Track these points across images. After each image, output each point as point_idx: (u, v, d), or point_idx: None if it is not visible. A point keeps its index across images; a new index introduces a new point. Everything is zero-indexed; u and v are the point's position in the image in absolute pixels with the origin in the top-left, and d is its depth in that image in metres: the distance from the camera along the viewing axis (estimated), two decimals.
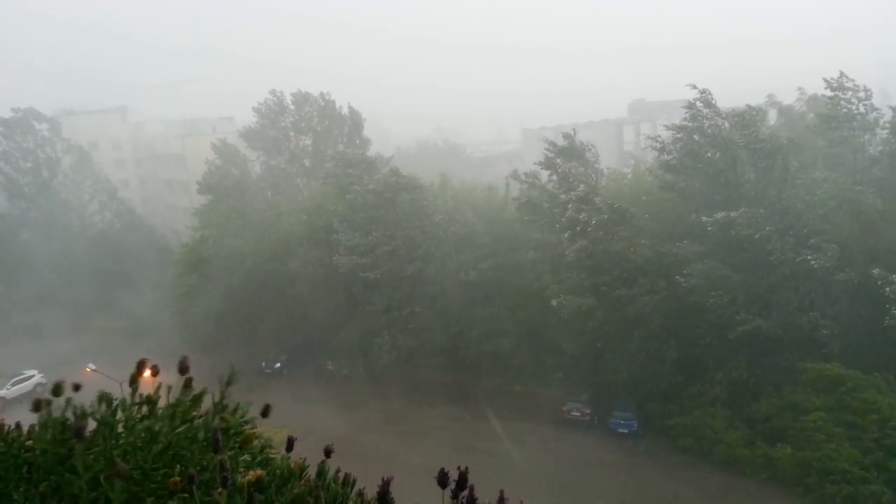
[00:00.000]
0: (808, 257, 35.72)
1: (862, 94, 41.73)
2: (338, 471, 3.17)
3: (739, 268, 38.29)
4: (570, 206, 41.39)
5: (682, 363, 39.43)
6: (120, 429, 3.44)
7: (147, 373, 3.74)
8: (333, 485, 3.11)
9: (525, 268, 46.07)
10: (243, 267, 52.46)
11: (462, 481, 2.62)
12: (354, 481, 3.17)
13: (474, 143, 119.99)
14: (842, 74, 42.16)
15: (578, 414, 40.52)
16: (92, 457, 3.21)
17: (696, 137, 42.00)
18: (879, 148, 43.64)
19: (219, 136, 75.45)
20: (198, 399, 3.57)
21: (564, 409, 40.95)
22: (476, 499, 2.69)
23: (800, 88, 55.45)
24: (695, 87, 42.06)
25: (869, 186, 39.45)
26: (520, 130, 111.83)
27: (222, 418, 3.42)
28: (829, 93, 42.64)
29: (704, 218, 38.35)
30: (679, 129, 42.64)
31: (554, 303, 40.42)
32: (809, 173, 40.45)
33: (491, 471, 32.15)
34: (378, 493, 2.77)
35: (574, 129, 50.86)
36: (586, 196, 41.51)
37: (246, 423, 3.55)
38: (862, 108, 41.91)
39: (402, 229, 47.80)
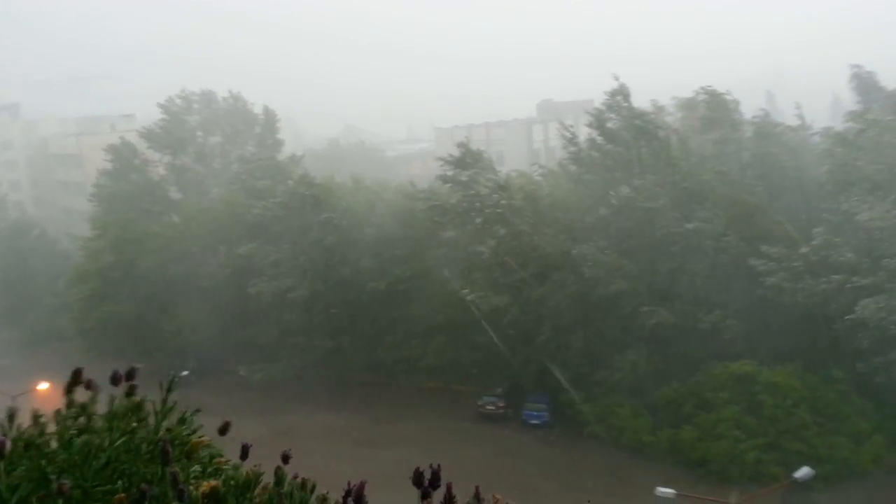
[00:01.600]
0: (695, 226, 38.48)
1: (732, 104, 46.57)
2: (295, 476, 3.05)
3: (640, 257, 40.13)
4: (477, 208, 42.49)
5: (589, 354, 40.91)
6: (53, 445, 3.20)
7: (79, 384, 3.57)
8: (296, 491, 2.98)
9: (441, 266, 46.59)
10: (147, 271, 50.45)
11: (435, 480, 2.58)
12: (314, 486, 3.03)
13: (387, 142, 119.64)
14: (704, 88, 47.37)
15: (493, 408, 41.39)
16: (17, 478, 2.96)
17: (607, 127, 43.94)
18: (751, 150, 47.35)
19: (118, 134, 71.71)
20: (137, 408, 3.35)
21: (479, 403, 41.72)
22: (454, 497, 2.63)
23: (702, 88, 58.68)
24: (616, 78, 44.06)
25: (748, 181, 42.94)
26: (431, 129, 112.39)
27: (168, 429, 3.24)
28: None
29: (602, 209, 40.07)
30: (594, 117, 44.71)
31: (470, 297, 41.11)
32: (700, 164, 43.75)
33: (404, 468, 32.21)
34: (354, 497, 2.76)
35: (485, 129, 52.00)
36: (493, 197, 42.80)
37: (192, 431, 3.38)
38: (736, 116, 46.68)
39: (315, 238, 47.39)
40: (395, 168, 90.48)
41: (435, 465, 2.59)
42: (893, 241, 35.97)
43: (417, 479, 2.52)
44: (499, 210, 42.38)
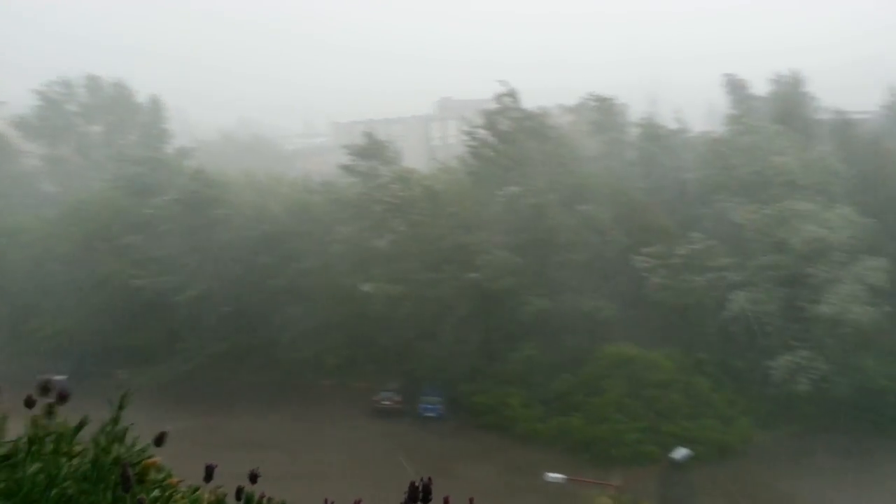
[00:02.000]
0: (581, 220, 40.40)
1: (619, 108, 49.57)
2: (262, 496, 2.90)
3: (529, 250, 41.48)
4: (377, 198, 42.69)
5: (484, 346, 41.90)
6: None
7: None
8: None
9: (337, 262, 46.24)
10: (17, 268, 47.03)
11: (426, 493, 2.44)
12: None
13: (283, 135, 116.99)
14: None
15: (390, 403, 41.58)
16: None
17: (499, 128, 45.18)
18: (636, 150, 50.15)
19: None
20: (79, 429, 2.99)
21: (375, 399, 41.81)
22: None
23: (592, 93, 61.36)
24: (504, 82, 45.32)
25: (632, 181, 45.54)
26: (330, 123, 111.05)
27: (114, 450, 2.92)
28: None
29: (495, 203, 41.19)
30: (486, 118, 46.00)
31: (366, 288, 41.16)
32: (588, 165, 45.71)
33: (300, 467, 31.88)
34: None
35: (384, 125, 52.30)
36: (394, 186, 43.20)
37: (143, 451, 3.06)
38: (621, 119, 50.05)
39: (207, 234, 45.85)
40: (292, 162, 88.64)
41: (426, 479, 2.40)
42: (761, 238, 38.93)
43: (413, 493, 2.37)
44: (397, 201, 42.97)
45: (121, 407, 3.07)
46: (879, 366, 38.02)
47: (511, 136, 45.11)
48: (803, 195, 39.45)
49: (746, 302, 37.47)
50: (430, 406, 40.62)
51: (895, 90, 62.50)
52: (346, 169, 47.50)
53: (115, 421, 3.03)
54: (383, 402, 41.55)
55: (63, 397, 3.01)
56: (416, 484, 2.65)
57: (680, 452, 26.75)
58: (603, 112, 50.32)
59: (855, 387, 37.03)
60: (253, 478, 2.94)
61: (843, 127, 52.06)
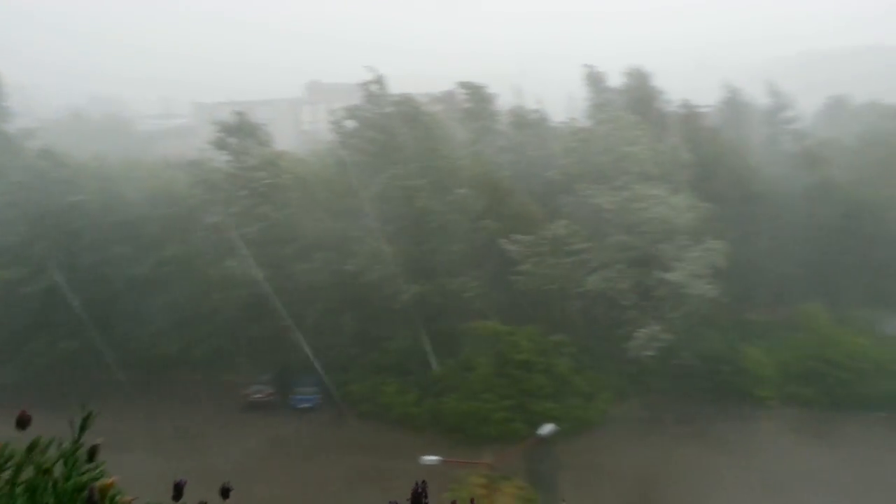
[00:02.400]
0: (451, 204, 41.28)
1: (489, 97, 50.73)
2: None
3: (402, 237, 41.88)
4: (247, 181, 41.46)
5: (359, 334, 41.90)
6: None
7: None
8: None
9: (205, 251, 44.40)
10: None
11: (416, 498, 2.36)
12: None
13: (139, 115, 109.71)
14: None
15: (261, 395, 40.67)
16: None
17: (368, 116, 44.95)
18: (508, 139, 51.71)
19: None
20: (32, 450, 2.74)
21: (246, 392, 40.74)
22: None
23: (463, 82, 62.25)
24: (372, 69, 44.91)
25: (502, 168, 46.85)
26: (191, 104, 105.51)
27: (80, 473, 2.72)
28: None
29: (369, 189, 41.22)
30: (355, 107, 45.11)
31: (231, 266, 40.48)
32: (458, 152, 46.56)
33: (162, 468, 30.59)
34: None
35: (251, 107, 50.61)
36: (264, 171, 42.10)
37: (98, 470, 2.87)
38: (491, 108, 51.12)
39: (56, 222, 42.44)
40: (149, 145, 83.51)
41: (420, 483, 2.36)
42: (616, 222, 41.51)
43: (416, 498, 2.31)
44: (266, 186, 41.92)
45: (83, 427, 2.89)
46: (719, 337, 41.90)
47: (380, 122, 45.02)
48: (652, 182, 42.40)
49: (603, 281, 39.91)
50: (304, 397, 40.16)
51: (731, 87, 69.54)
52: (215, 146, 45.39)
53: (78, 442, 2.84)
54: (254, 396, 40.57)
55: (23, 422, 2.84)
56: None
57: (546, 428, 28.20)
58: (474, 100, 51.37)
59: (698, 357, 40.63)
60: (224, 492, 2.79)
61: (688, 119, 56.52)
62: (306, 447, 36.62)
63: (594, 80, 61.87)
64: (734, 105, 68.96)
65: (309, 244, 42.04)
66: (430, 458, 27.95)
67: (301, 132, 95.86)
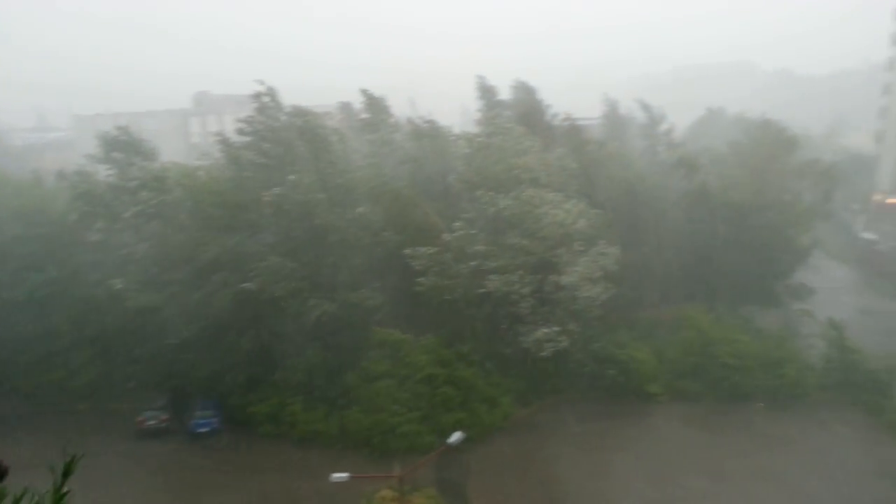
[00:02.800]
0: (352, 218, 41.21)
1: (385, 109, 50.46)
2: None
3: (303, 253, 41.18)
4: (134, 196, 39.64)
5: (262, 354, 40.71)
6: None
7: None
8: None
9: (87, 272, 41.88)
10: None
11: None
12: None
13: (10, 129, 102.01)
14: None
15: (156, 422, 38.68)
16: None
17: (261, 128, 43.96)
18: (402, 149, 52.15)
19: None
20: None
21: (140, 419, 38.63)
22: None
23: (362, 90, 62.09)
24: (262, 82, 43.87)
25: (401, 179, 46.96)
26: (69, 116, 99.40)
27: None
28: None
29: (265, 198, 40.21)
30: (247, 119, 44.05)
31: (117, 285, 38.54)
32: (357, 163, 46.34)
33: None
34: None
35: (136, 119, 48.34)
36: (150, 185, 40.35)
37: None
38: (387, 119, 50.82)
39: None
40: (23, 159, 77.95)
41: None
42: (513, 229, 42.65)
43: None
44: (153, 203, 40.00)
45: (66, 473, 2.90)
46: (611, 338, 43.92)
47: (274, 135, 44.11)
48: (545, 190, 43.89)
49: (504, 285, 40.85)
50: (203, 421, 38.54)
51: (608, 100, 73.84)
52: (97, 161, 43.14)
53: (59, 493, 2.79)
54: (148, 423, 38.50)
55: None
56: None
57: (455, 437, 28.45)
58: (371, 110, 51.30)
59: (593, 358, 42.45)
60: None
61: (572, 131, 59.20)
62: (207, 473, 35.13)
63: (485, 91, 63.83)
64: (614, 118, 73.43)
65: (202, 261, 40.45)
66: (340, 476, 27.57)
67: (190, 144, 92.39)
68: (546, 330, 40.02)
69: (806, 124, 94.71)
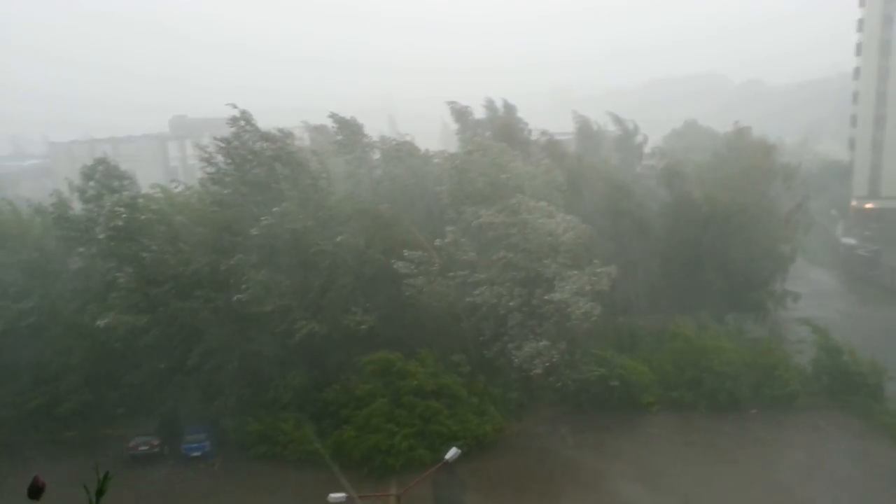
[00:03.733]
0: (339, 241, 41.09)
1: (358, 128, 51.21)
2: None
3: (291, 274, 40.88)
4: (111, 221, 39.18)
5: (249, 375, 40.11)
6: None
7: None
8: None
9: (68, 298, 41.20)
10: None
11: None
12: None
13: None
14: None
15: (147, 447, 37.91)
16: None
17: (240, 151, 43.70)
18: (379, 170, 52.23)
19: None
20: None
21: (130, 445, 37.85)
22: None
23: (331, 114, 62.27)
24: (235, 106, 43.69)
25: (381, 198, 46.98)
26: (45, 143, 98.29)
27: None
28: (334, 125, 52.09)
29: (254, 230, 39.94)
30: (225, 141, 43.96)
31: (100, 323, 37.54)
32: (336, 185, 46.06)
33: None
34: None
35: (113, 144, 48.12)
36: (130, 211, 40.02)
37: None
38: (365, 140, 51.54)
39: None
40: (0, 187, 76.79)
41: None
42: (499, 240, 42.69)
43: None
44: (126, 228, 39.57)
45: (100, 492, 2.77)
46: (601, 349, 43.70)
47: (252, 157, 43.81)
48: (531, 203, 44.00)
49: (493, 297, 40.74)
50: (195, 445, 37.85)
51: (580, 117, 74.75)
52: (76, 190, 42.90)
53: None
54: (139, 448, 37.71)
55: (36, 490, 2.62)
56: None
57: (451, 453, 28.17)
58: (343, 132, 51.48)
59: (585, 369, 42.11)
60: None
61: (550, 146, 59.82)
62: (200, 497, 34.42)
63: (460, 114, 65.14)
64: (587, 133, 74.73)
65: (187, 281, 39.93)
66: (337, 496, 27.14)
67: (168, 168, 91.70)
68: (535, 344, 39.84)
69: (779, 134, 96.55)
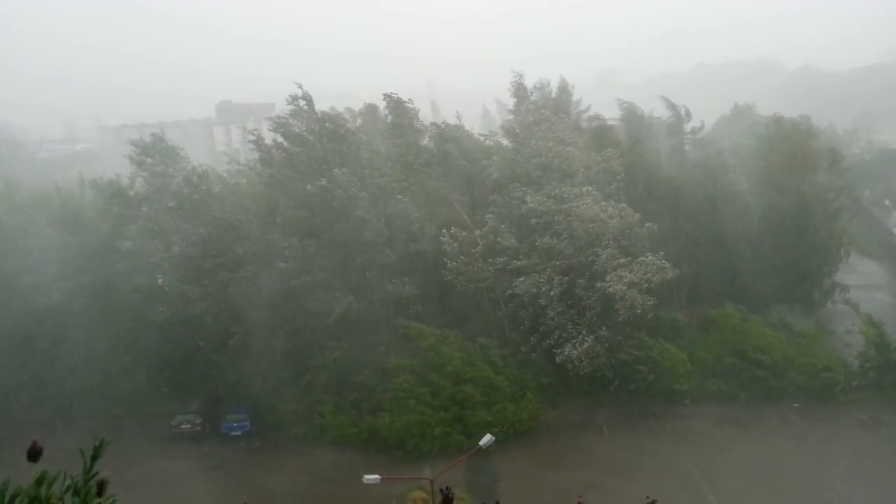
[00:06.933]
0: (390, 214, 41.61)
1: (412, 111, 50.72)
2: None
3: (335, 250, 41.25)
4: (185, 189, 41.56)
5: (289, 354, 40.74)
6: None
7: None
8: None
9: (118, 279, 42.48)
10: None
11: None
12: None
13: (39, 141, 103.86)
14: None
15: (189, 426, 39.03)
16: None
17: (296, 130, 44.29)
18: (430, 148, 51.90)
19: None
20: (40, 484, 2.81)
21: (173, 423, 39.03)
22: None
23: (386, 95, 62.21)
24: (300, 86, 44.03)
25: (431, 177, 46.90)
26: (96, 128, 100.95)
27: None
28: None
29: (309, 187, 40.58)
30: (282, 119, 44.55)
31: (160, 281, 40.60)
32: (387, 165, 46.22)
33: None
34: None
35: (161, 129, 49.39)
36: (184, 192, 41.31)
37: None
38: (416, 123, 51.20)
39: None
40: (51, 171, 79.27)
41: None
42: (545, 228, 42.14)
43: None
44: (191, 200, 41.32)
45: (95, 457, 2.89)
46: (642, 338, 42.67)
47: (306, 139, 44.34)
48: (584, 188, 43.06)
49: (530, 286, 40.35)
50: (235, 424, 38.83)
51: (626, 102, 72.69)
52: (133, 164, 44.50)
53: (90, 474, 2.84)
54: (182, 426, 38.88)
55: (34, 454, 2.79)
56: None
57: (486, 439, 28.30)
58: (395, 114, 51.16)
59: (625, 359, 41.49)
60: None
61: (602, 131, 58.57)
62: (240, 475, 35.36)
63: (518, 87, 62.74)
64: (636, 118, 72.40)
65: (236, 259, 40.88)
66: (372, 477, 27.61)
67: (213, 152, 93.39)
68: (581, 344, 39.02)
69: (833, 120, 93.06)
